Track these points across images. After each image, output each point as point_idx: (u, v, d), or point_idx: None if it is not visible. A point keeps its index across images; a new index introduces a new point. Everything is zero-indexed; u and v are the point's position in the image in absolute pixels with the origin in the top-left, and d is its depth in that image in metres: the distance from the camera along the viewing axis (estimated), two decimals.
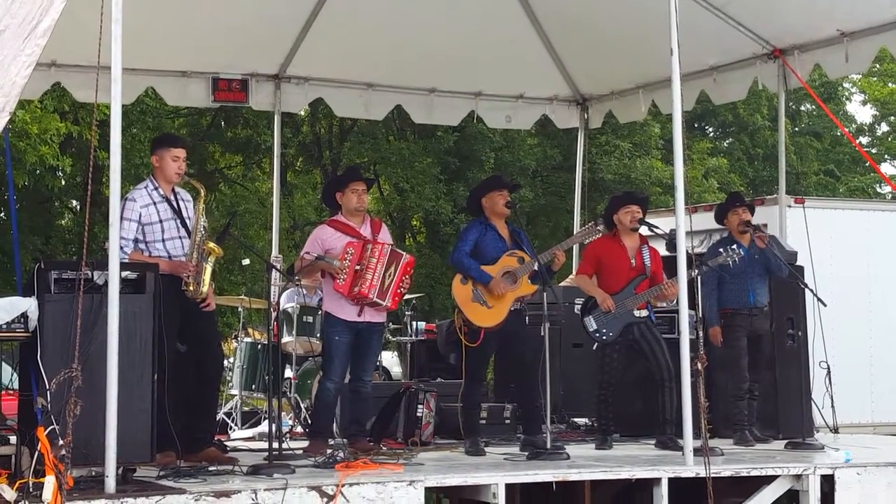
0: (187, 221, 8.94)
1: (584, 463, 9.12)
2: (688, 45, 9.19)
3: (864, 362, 15.08)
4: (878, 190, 36.93)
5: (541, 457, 9.15)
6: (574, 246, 12.36)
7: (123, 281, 7.46)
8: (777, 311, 11.26)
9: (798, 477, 9.08)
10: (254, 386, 12.51)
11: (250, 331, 13.29)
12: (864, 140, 40.96)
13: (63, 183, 24.05)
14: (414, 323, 14.72)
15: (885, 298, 15.40)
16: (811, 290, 10.99)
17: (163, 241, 8.81)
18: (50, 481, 6.72)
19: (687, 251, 9.20)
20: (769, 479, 9.06)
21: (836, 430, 11.67)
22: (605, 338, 10.45)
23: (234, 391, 12.61)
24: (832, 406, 11.34)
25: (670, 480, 8.64)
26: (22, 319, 7.43)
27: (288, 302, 12.16)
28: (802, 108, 38.88)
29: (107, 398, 7.10)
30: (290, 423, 11.83)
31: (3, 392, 10.18)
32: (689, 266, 9.52)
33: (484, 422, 10.72)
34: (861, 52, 11.93)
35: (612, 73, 14.35)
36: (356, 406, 10.01)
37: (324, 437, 9.85)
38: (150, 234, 8.78)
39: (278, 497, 7.32)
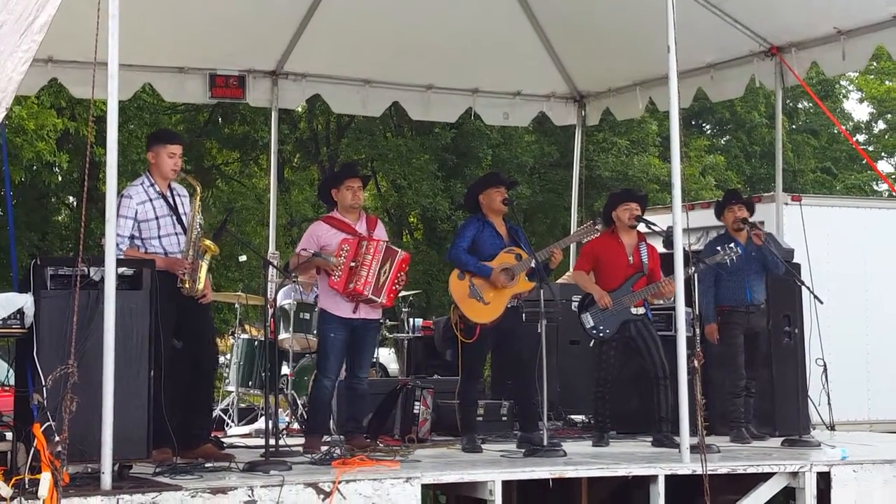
0: (183, 218, 8.93)
1: (581, 460, 9.12)
2: (685, 43, 9.19)
3: (861, 360, 15.11)
4: (875, 188, 36.96)
5: (537, 454, 9.16)
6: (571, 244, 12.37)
7: (120, 277, 7.45)
8: (774, 309, 11.26)
9: (794, 474, 9.09)
10: (250, 382, 12.52)
11: (247, 327, 13.30)
12: (861, 138, 40.97)
13: (60, 179, 24.02)
14: (411, 320, 14.73)
15: (882, 296, 15.43)
16: (808, 288, 10.99)
17: (159, 237, 8.81)
18: (46, 478, 6.71)
19: (684, 248, 9.20)
20: (765, 477, 9.06)
21: (832, 427, 11.69)
22: (601, 335, 10.46)
23: (231, 388, 12.62)
24: (829, 403, 11.36)
25: (667, 477, 8.64)
26: (18, 316, 7.42)
27: (285, 298, 12.17)
28: (800, 105, 38.88)
29: (103, 394, 7.09)
30: (287, 419, 11.83)
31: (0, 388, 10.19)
32: (686, 263, 9.53)
33: (481, 419, 10.72)
34: (858, 50, 11.93)
35: (610, 71, 14.34)
36: (353, 403, 10.01)
37: (321, 434, 9.85)
38: (147, 230, 8.78)
39: (275, 494, 7.32)
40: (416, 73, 14.23)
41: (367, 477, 7.75)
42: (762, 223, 11.88)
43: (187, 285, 8.69)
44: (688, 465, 8.74)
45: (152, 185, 8.92)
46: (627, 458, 9.34)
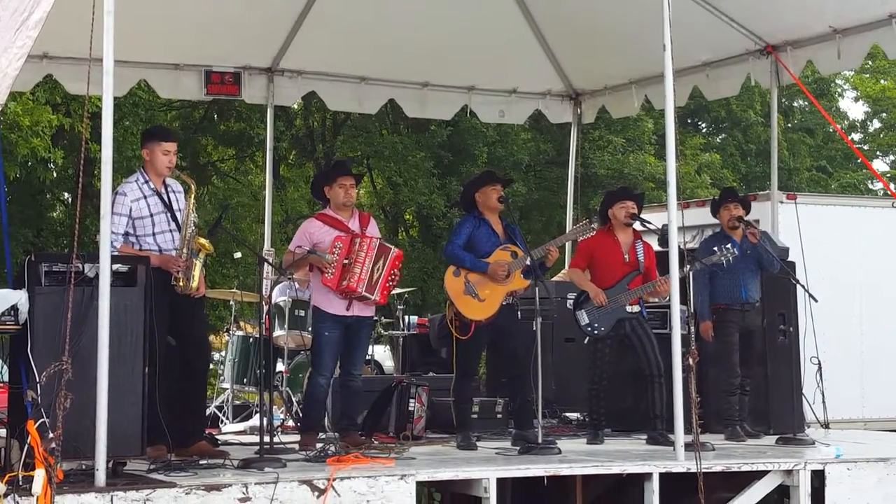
0: (178, 214, 8.92)
1: (576, 457, 9.13)
2: (681, 41, 9.20)
3: (856, 358, 15.10)
4: (870, 186, 36.98)
5: (532, 451, 9.16)
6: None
7: (114, 274, 7.45)
8: (768, 307, 11.27)
9: (789, 472, 9.10)
10: (245, 380, 12.52)
11: (242, 324, 13.29)
12: (856, 137, 41.00)
13: (55, 175, 24.00)
14: (406, 317, 14.72)
15: (877, 294, 15.42)
16: (803, 286, 11.00)
17: (153, 234, 8.79)
18: (40, 474, 6.71)
19: (679, 247, 9.21)
20: (760, 475, 9.08)
21: (826, 425, 11.70)
22: (596, 332, 10.47)
23: (226, 385, 12.61)
24: (823, 402, 11.35)
25: (661, 475, 8.65)
26: (12, 312, 7.41)
27: (280, 296, 12.16)
28: (795, 104, 38.89)
29: (97, 391, 7.09)
30: (282, 416, 11.82)
31: None
32: (682, 262, 9.54)
33: (476, 416, 10.73)
34: (853, 49, 11.94)
35: (606, 69, 14.34)
36: (347, 400, 10.00)
37: (316, 431, 9.85)
38: (141, 228, 8.77)
39: (269, 491, 7.32)
40: (412, 70, 14.22)
41: (361, 474, 7.75)
42: (757, 221, 11.88)
43: (181, 283, 8.68)
44: (682, 463, 8.75)
45: (147, 181, 8.91)
46: (622, 455, 9.35)
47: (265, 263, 10.41)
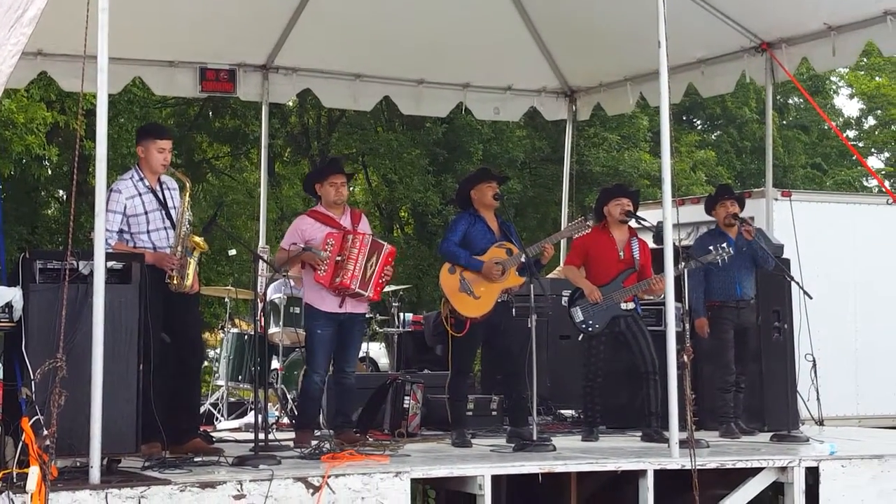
0: (172, 212, 8.91)
1: (571, 455, 9.14)
2: (676, 38, 9.19)
3: (850, 355, 15.12)
4: (865, 183, 37.00)
5: (527, 448, 9.16)
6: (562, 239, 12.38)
7: (109, 271, 7.44)
8: (763, 304, 11.29)
9: (783, 469, 9.11)
10: (240, 377, 12.53)
11: (237, 321, 13.29)
12: (851, 134, 41.00)
13: (49, 172, 23.95)
14: (401, 314, 14.73)
15: (871, 291, 15.44)
16: (797, 283, 11.01)
17: (147, 232, 8.79)
18: (34, 472, 6.70)
19: (674, 244, 9.21)
20: (754, 472, 9.09)
21: (821, 422, 11.72)
22: (591, 329, 10.47)
23: (221, 382, 12.61)
24: (818, 399, 11.38)
25: (656, 472, 8.66)
26: (6, 309, 7.41)
27: (275, 293, 12.17)
28: (790, 101, 38.88)
29: (92, 388, 7.08)
30: (277, 414, 11.82)
31: None
32: (677, 259, 9.54)
33: (471, 413, 10.75)
34: (848, 46, 11.95)
35: (601, 66, 14.35)
36: (341, 397, 10.00)
37: (311, 428, 9.85)
38: (136, 225, 8.76)
39: (264, 488, 7.32)
40: (407, 67, 14.23)
41: (356, 471, 7.75)
42: (752, 218, 11.90)
43: (175, 281, 8.67)
44: (677, 460, 8.75)
45: (142, 179, 8.90)
46: (617, 452, 9.35)
47: (260, 261, 10.41)
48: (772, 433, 10.67)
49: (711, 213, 11.29)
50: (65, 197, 26.19)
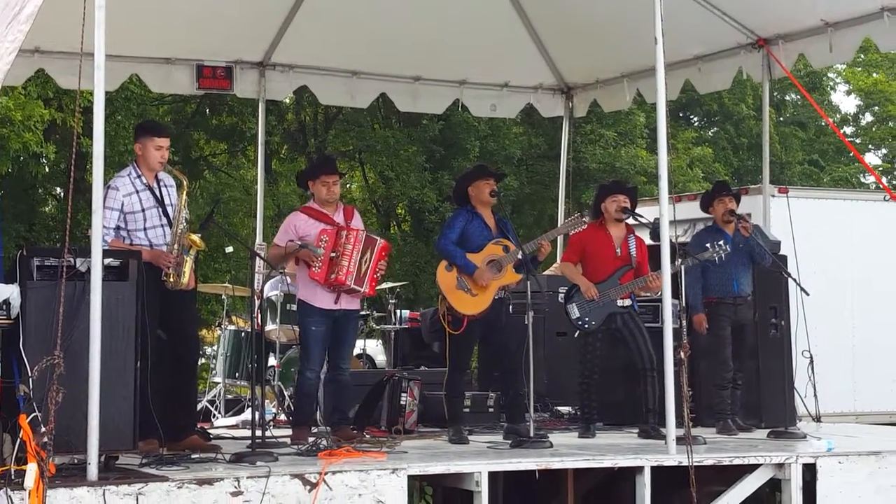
0: (169, 209, 8.91)
1: (567, 451, 9.14)
2: (672, 35, 9.20)
3: (847, 351, 15.15)
4: (862, 180, 37.00)
5: (524, 445, 9.17)
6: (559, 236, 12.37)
7: (106, 268, 7.44)
8: (760, 301, 11.28)
9: (780, 466, 9.12)
10: (237, 374, 12.54)
11: (234, 318, 13.29)
12: (849, 130, 40.99)
13: (47, 170, 23.93)
14: (398, 311, 14.72)
15: (868, 288, 15.47)
16: (794, 280, 11.02)
17: (144, 229, 8.79)
18: (32, 469, 6.70)
19: (670, 241, 9.22)
20: (751, 468, 9.09)
21: (818, 419, 11.72)
22: (587, 326, 10.47)
23: (218, 379, 12.62)
24: (815, 395, 11.38)
25: (653, 469, 8.66)
26: (4, 306, 7.43)
27: (272, 290, 12.17)
28: (787, 97, 38.87)
29: (89, 385, 7.09)
30: (274, 411, 11.83)
31: None
32: (674, 256, 9.55)
33: (467, 410, 10.75)
34: (845, 42, 11.94)
35: (597, 62, 14.34)
36: (337, 395, 10.00)
37: (308, 425, 9.85)
38: (132, 222, 8.76)
39: (261, 485, 7.32)
40: (403, 64, 14.22)
41: (353, 468, 7.75)
42: (749, 215, 11.90)
43: (171, 279, 8.66)
44: (674, 457, 8.76)
45: (139, 176, 8.90)
46: (614, 449, 9.35)
47: (257, 258, 10.42)
48: (769, 430, 10.67)
49: (708, 209, 11.29)
50: (62, 194, 26.17)
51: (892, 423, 14.47)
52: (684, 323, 9.32)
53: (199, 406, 11.80)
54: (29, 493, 6.65)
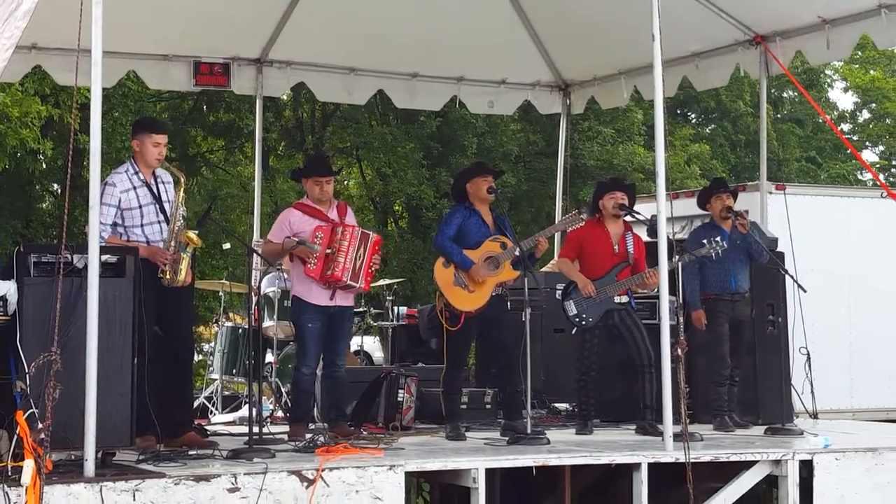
0: (167, 206, 8.91)
1: (565, 448, 9.13)
2: (670, 32, 9.20)
3: (844, 348, 15.13)
4: (860, 177, 37.01)
5: (521, 442, 9.17)
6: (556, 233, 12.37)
7: (103, 265, 7.45)
8: (758, 297, 11.28)
9: (777, 462, 9.12)
10: (234, 370, 12.53)
11: (231, 315, 13.28)
12: (846, 127, 41.00)
13: (44, 166, 23.95)
14: (395, 308, 14.73)
15: (865, 284, 15.45)
16: (792, 277, 11.01)
17: (141, 226, 8.78)
18: (29, 465, 6.70)
19: (668, 237, 9.22)
20: (748, 465, 9.10)
21: (815, 415, 11.71)
22: (584, 323, 10.47)
23: (215, 375, 12.61)
24: (812, 392, 11.36)
25: (650, 465, 8.67)
26: (1, 303, 7.42)
27: (269, 286, 12.16)
28: (784, 94, 38.89)
29: (86, 382, 7.09)
30: (271, 407, 11.83)
31: None
32: (671, 253, 9.55)
33: (465, 407, 10.74)
34: (842, 39, 11.94)
35: (595, 59, 14.33)
36: (333, 391, 10.01)
37: (305, 422, 9.86)
38: (129, 219, 8.76)
39: (258, 481, 7.32)
40: (400, 61, 14.22)
41: (350, 464, 7.76)
42: (747, 212, 11.89)
43: (168, 276, 8.66)
44: (671, 453, 8.76)
45: (136, 173, 8.90)
46: (611, 445, 9.36)
47: (254, 254, 10.41)
48: (766, 426, 10.68)
49: (706, 206, 11.29)
50: (59, 191, 26.15)
51: (889, 419, 14.46)
52: (681, 319, 9.32)
53: (197, 403, 11.78)
54: (26, 490, 6.66)
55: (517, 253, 9.81)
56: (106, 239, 8.37)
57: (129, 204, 8.76)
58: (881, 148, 41.03)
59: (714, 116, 37.97)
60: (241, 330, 12.63)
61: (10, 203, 23.18)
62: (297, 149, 29.88)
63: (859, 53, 37.45)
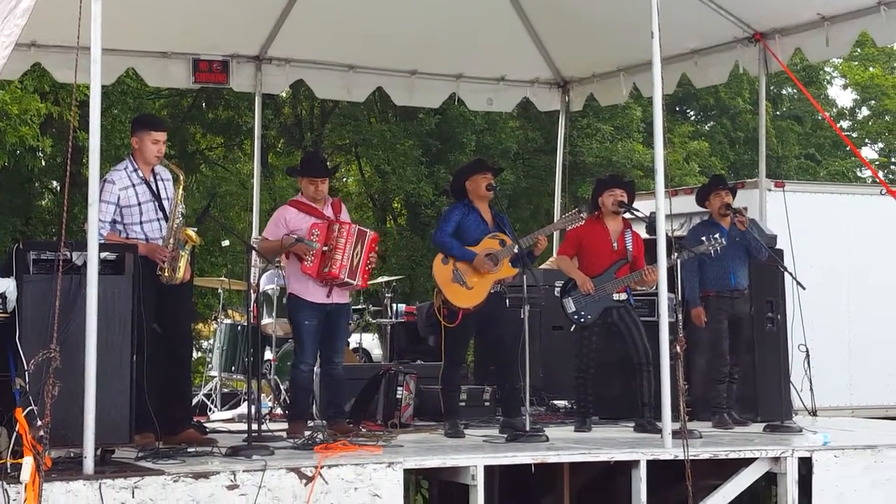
0: (165, 203, 8.91)
1: (563, 445, 9.14)
2: (669, 29, 9.20)
3: (843, 346, 15.15)
4: (859, 174, 37.00)
5: (520, 439, 9.17)
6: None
7: (102, 262, 7.45)
8: (757, 295, 11.28)
9: (776, 459, 9.13)
10: (233, 367, 12.53)
11: (230, 312, 13.28)
12: (845, 124, 41.01)
13: (43, 164, 23.97)
14: (394, 305, 14.72)
15: (864, 282, 15.46)
16: (790, 274, 11.02)
17: (140, 223, 8.78)
18: (28, 462, 6.71)
19: (667, 234, 9.22)
20: (747, 462, 9.10)
21: (814, 413, 11.72)
22: (582, 320, 10.47)
23: (214, 373, 12.62)
24: (811, 389, 11.37)
25: (649, 463, 8.67)
26: (0, 300, 7.41)
27: (268, 283, 12.17)
28: (784, 91, 38.89)
29: (85, 379, 7.09)
30: (270, 404, 11.83)
31: None
32: (670, 250, 9.55)
33: (463, 404, 10.73)
34: (841, 36, 11.93)
35: (594, 56, 14.33)
36: (331, 389, 10.02)
37: (304, 419, 9.86)
38: (128, 216, 8.76)
39: (257, 478, 7.33)
40: (400, 58, 14.21)
41: (349, 462, 7.76)
42: (745, 209, 11.89)
43: (166, 273, 8.66)
44: (670, 451, 8.77)
45: (136, 170, 8.89)
46: (609, 443, 9.36)
47: (253, 251, 10.41)
48: (765, 424, 10.69)
49: (704, 203, 11.29)
50: (58, 188, 26.17)
51: (888, 416, 14.47)
52: (680, 316, 9.32)
53: (196, 400, 11.79)
54: (25, 487, 6.66)
55: (516, 250, 9.81)
56: (105, 236, 8.37)
57: (128, 201, 8.75)
58: (880, 145, 41.04)
59: (713, 113, 37.98)
60: (240, 327, 12.64)
61: (9, 200, 23.19)
62: (296, 146, 29.88)
63: (858, 50, 37.46)
